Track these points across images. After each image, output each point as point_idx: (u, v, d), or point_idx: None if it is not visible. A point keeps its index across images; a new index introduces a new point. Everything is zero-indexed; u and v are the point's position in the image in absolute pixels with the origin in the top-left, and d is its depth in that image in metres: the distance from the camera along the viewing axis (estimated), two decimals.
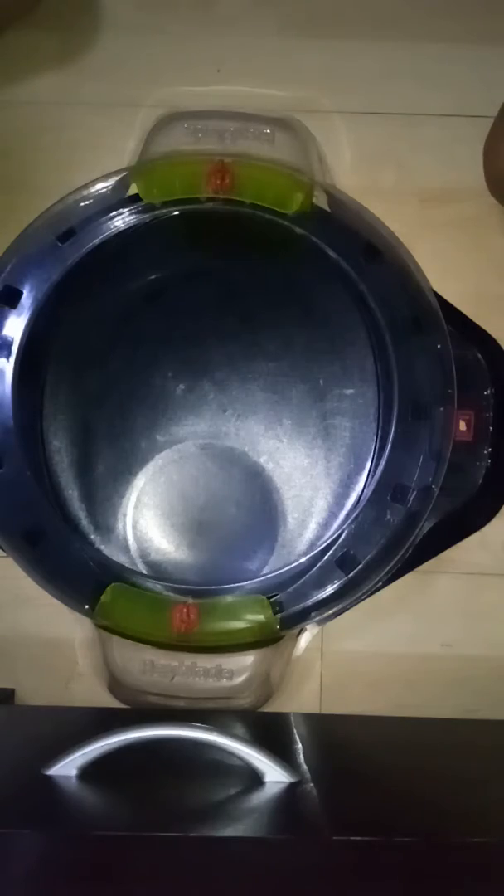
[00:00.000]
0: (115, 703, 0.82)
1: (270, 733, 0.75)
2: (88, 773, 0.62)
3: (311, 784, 0.62)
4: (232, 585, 0.78)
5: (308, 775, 0.63)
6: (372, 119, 0.84)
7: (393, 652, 0.84)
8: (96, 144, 0.81)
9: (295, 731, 0.75)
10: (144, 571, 0.81)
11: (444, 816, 0.60)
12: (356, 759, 0.73)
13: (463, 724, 0.80)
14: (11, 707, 0.83)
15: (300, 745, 0.71)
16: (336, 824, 0.58)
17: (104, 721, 0.76)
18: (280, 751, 0.64)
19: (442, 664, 0.83)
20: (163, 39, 0.87)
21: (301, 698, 0.84)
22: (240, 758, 0.62)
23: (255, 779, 0.62)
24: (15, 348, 0.76)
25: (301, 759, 0.67)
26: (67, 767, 0.62)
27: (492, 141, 0.80)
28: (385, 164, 0.83)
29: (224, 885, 0.52)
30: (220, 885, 0.52)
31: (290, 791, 0.61)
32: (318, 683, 0.84)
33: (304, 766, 0.65)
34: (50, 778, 0.62)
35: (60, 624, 0.82)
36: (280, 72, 0.84)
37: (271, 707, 0.82)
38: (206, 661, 0.80)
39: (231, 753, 0.62)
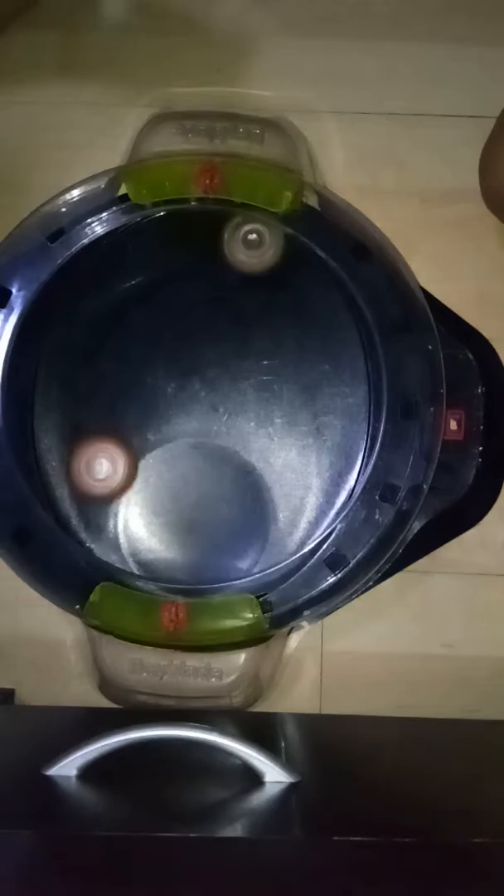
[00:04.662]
0: (111, 703, 0.82)
1: (269, 733, 0.75)
2: (88, 773, 0.62)
3: (311, 784, 0.62)
4: (221, 584, 0.78)
5: (308, 775, 0.63)
6: (372, 119, 0.84)
7: (393, 652, 0.85)
8: (96, 144, 0.81)
9: (294, 731, 0.75)
10: (135, 571, 0.81)
11: (445, 816, 0.60)
12: (356, 759, 0.73)
13: (463, 724, 0.80)
14: (11, 707, 0.83)
15: (300, 746, 0.71)
16: (336, 824, 0.58)
17: (104, 721, 0.76)
18: (279, 751, 0.64)
19: (442, 664, 0.84)
20: (163, 40, 0.86)
21: (299, 698, 0.84)
22: (240, 758, 0.62)
23: (254, 779, 0.62)
24: (4, 347, 0.77)
25: (300, 759, 0.68)
26: (67, 767, 0.62)
27: (487, 157, 0.80)
28: (385, 165, 0.83)
29: (224, 885, 0.52)
30: (219, 886, 0.52)
31: (290, 791, 0.61)
32: (317, 683, 0.84)
33: (304, 767, 0.65)
34: (50, 778, 0.62)
35: (61, 624, 0.82)
36: (281, 72, 0.84)
37: (270, 707, 0.82)
38: (195, 661, 0.80)
39: (231, 754, 0.62)
